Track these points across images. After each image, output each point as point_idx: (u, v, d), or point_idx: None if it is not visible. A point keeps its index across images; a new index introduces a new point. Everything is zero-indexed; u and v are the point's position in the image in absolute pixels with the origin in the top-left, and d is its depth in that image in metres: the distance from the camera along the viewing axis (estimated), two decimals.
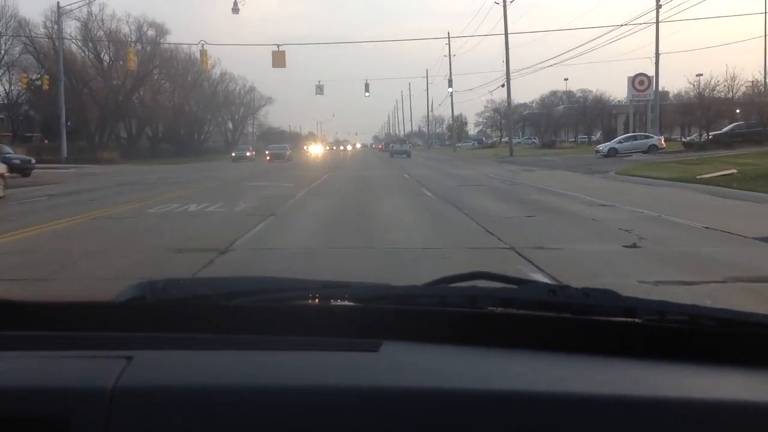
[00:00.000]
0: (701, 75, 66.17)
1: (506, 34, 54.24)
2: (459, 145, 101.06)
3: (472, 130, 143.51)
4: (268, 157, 56.82)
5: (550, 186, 21.33)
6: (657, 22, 45.88)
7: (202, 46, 43.12)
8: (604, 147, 46.48)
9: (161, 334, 1.30)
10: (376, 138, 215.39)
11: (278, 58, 44.82)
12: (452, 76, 77.55)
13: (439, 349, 1.25)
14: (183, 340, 1.27)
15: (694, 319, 1.32)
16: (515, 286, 1.48)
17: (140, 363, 1.15)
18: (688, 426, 1.01)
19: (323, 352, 1.24)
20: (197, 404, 1.05)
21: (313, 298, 1.51)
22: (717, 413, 1.03)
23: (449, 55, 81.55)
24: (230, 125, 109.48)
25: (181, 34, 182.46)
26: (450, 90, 60.13)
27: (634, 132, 55.36)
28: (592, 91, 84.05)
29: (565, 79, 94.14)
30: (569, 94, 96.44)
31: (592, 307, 1.34)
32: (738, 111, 63.32)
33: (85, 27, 60.56)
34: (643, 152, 44.67)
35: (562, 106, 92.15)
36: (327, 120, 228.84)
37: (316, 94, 53.15)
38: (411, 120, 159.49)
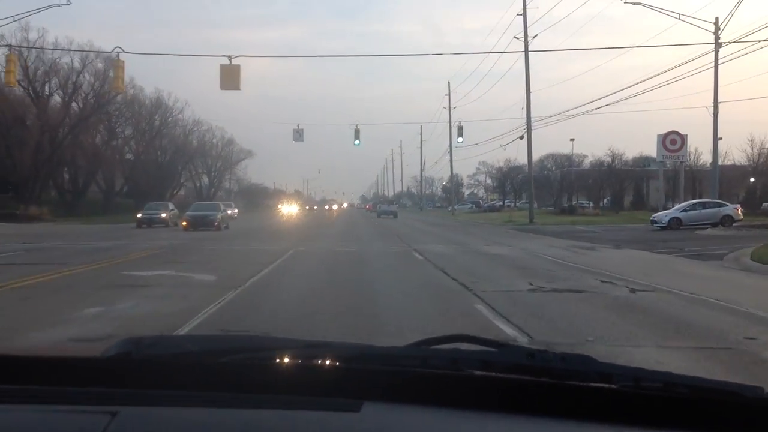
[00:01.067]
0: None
1: (527, 77, 45.04)
2: (456, 207, 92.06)
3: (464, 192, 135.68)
4: (184, 223, 36.07)
5: (700, 291, 11.31)
6: (716, 63, 36.51)
7: (117, 55, 28.20)
8: (662, 216, 36.51)
9: (147, 390, 1.32)
10: (363, 198, 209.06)
11: (229, 76, 28.15)
12: (455, 127, 68.93)
13: (419, 410, 1.28)
14: (168, 397, 1.30)
15: (668, 386, 1.33)
16: (495, 350, 1.50)
17: (125, 419, 1.18)
18: None
19: (305, 411, 1.26)
20: None
21: (297, 357, 1.51)
22: None
23: (449, 106, 72.62)
24: (205, 179, 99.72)
25: (150, 77, 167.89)
26: (459, 140, 50.88)
27: (684, 198, 46.02)
28: (621, 153, 73.65)
29: (572, 140, 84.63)
30: (570, 156, 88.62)
31: (569, 372, 1.35)
32: None
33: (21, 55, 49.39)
34: (714, 224, 34.87)
35: (568, 168, 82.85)
36: (313, 178, 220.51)
37: (294, 140, 42.55)
38: (402, 180, 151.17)
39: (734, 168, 64.04)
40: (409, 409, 1.28)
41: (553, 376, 1.35)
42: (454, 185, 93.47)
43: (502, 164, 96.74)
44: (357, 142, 44.94)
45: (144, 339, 1.56)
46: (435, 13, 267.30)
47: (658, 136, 61.29)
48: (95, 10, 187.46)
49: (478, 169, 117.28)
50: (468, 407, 1.28)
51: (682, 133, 58.81)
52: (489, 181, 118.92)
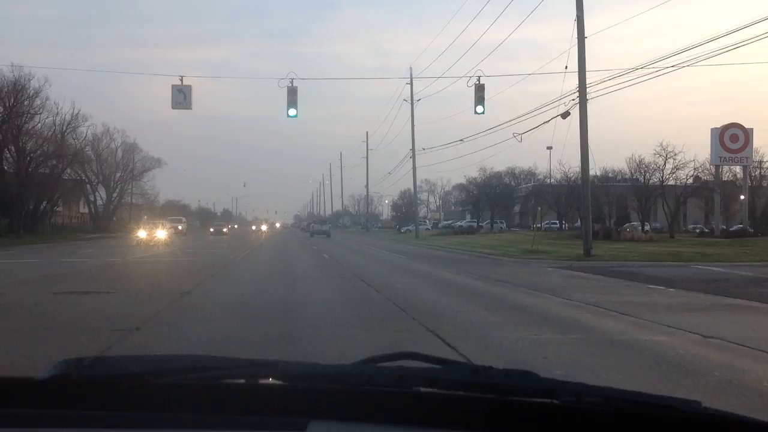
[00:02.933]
0: None
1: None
2: (409, 228, 75.53)
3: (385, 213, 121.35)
4: None
5: None
6: None
7: None
8: None
9: (88, 411, 1.28)
10: (297, 217, 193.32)
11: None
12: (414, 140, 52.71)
13: (365, 428, 1.28)
14: (109, 418, 1.26)
15: (608, 400, 1.34)
16: (440, 367, 1.50)
17: None
18: None
19: (252, 431, 1.25)
20: None
21: (241, 376, 1.47)
22: None
23: (411, 98, 55.73)
24: (103, 194, 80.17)
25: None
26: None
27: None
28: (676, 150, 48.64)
29: (549, 148, 67.07)
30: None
31: (513, 388, 1.36)
32: None
33: None
34: None
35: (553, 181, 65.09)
36: (243, 196, 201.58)
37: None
38: (342, 197, 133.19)
39: None
40: (356, 427, 1.27)
41: (498, 392, 1.35)
42: (413, 198, 74.11)
43: (476, 174, 77.75)
44: (292, 112, 27.59)
45: (83, 360, 1.47)
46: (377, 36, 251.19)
47: (712, 129, 45.98)
48: None
49: (423, 184, 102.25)
50: (414, 424, 1.28)
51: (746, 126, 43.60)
52: (436, 197, 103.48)
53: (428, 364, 1.53)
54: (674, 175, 48.05)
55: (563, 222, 63.64)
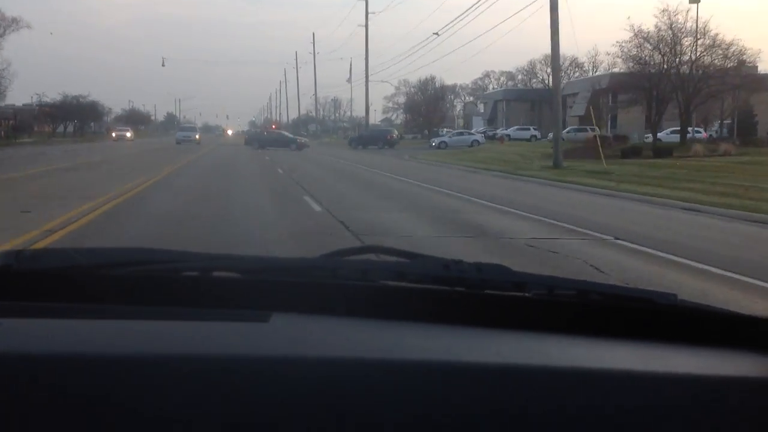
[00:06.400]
0: None
1: None
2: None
3: (376, 117, 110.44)
4: None
5: None
6: None
7: None
8: None
9: (32, 303, 1.23)
10: (253, 123, 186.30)
11: None
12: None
13: (331, 320, 1.24)
14: (56, 310, 1.20)
15: (581, 293, 1.34)
16: (408, 260, 1.46)
17: (7, 331, 1.09)
18: (580, 393, 1.03)
19: (210, 322, 1.19)
20: (67, 374, 0.98)
21: (199, 269, 1.40)
22: (606, 381, 1.06)
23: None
24: None
25: None
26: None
27: None
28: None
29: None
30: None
31: (484, 282, 1.34)
32: None
33: None
34: None
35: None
36: (187, 98, 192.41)
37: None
38: (298, 104, 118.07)
39: None
40: (320, 318, 1.23)
41: (468, 286, 1.32)
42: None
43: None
44: None
45: (25, 252, 1.40)
46: None
47: None
48: None
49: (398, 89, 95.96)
50: (380, 318, 1.24)
51: None
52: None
53: (396, 258, 1.48)
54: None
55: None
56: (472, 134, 62.15)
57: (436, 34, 40.72)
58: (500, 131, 68.39)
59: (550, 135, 38.29)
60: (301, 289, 1.32)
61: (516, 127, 70.24)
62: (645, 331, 1.27)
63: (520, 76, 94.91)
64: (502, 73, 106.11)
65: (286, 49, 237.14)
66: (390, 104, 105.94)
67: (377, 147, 53.04)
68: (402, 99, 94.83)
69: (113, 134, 71.03)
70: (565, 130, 51.29)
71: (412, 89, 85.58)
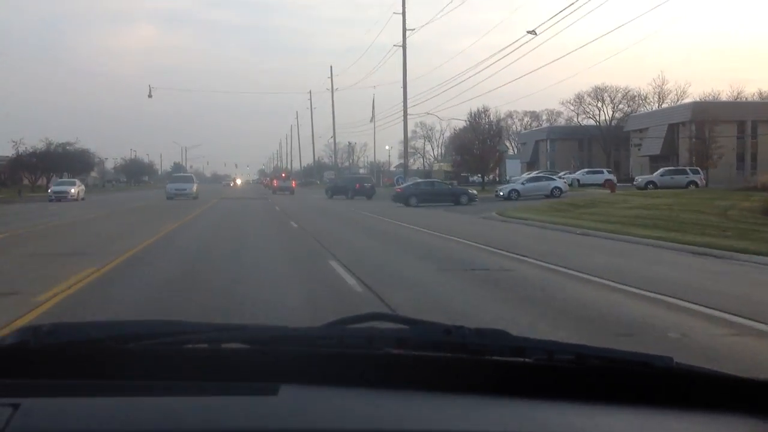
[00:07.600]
0: None
1: None
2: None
3: (392, 161, 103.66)
4: None
5: None
6: None
7: None
8: None
9: (49, 380, 1.26)
10: (262, 172, 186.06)
11: None
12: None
13: (337, 391, 1.25)
14: (73, 387, 1.24)
15: (580, 358, 1.35)
16: (410, 327, 1.47)
17: (28, 410, 1.12)
18: None
19: (220, 396, 1.21)
20: None
21: (208, 341, 1.43)
22: None
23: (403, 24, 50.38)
24: None
25: None
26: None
27: None
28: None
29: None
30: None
31: (485, 347, 1.36)
32: None
33: None
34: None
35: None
36: (193, 146, 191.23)
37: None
38: (313, 150, 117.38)
39: None
40: (327, 390, 1.25)
41: (469, 352, 1.34)
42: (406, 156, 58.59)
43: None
44: None
45: (42, 327, 1.41)
46: None
47: None
48: None
49: (418, 129, 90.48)
50: (385, 386, 1.26)
51: None
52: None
53: (398, 325, 1.51)
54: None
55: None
56: (552, 179, 44.50)
57: (533, 33, 31.48)
58: (578, 174, 58.36)
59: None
60: (308, 359, 1.33)
61: (585, 170, 61.34)
62: (643, 394, 1.29)
63: (565, 112, 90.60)
64: (526, 113, 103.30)
65: (301, 85, 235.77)
66: (415, 144, 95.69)
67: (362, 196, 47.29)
68: (420, 141, 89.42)
69: (49, 190, 48.96)
70: (658, 173, 47.21)
71: (455, 126, 71.07)
